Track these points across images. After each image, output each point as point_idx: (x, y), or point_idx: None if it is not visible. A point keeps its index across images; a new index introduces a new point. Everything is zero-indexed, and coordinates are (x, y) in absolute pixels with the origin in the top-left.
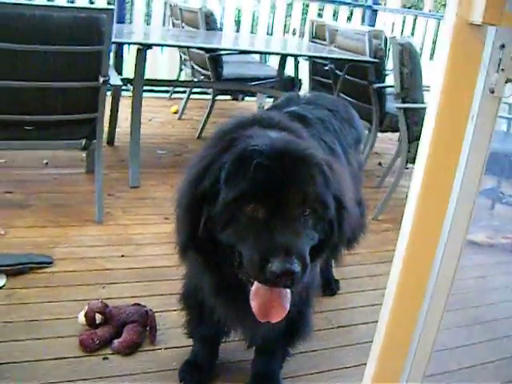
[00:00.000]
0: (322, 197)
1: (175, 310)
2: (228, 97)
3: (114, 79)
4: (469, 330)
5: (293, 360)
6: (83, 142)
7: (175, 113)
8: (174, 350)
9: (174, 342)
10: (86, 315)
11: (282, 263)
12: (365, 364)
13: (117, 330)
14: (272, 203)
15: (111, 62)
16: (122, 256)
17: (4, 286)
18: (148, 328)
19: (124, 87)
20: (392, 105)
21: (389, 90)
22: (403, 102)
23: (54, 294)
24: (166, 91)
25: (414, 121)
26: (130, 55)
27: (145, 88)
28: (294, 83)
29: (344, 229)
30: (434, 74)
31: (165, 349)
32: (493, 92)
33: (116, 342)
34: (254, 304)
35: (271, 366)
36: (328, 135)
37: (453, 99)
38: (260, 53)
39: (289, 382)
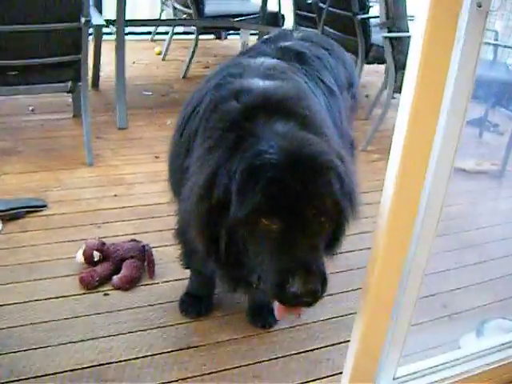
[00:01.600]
0: (339, 203)
1: (171, 245)
2: (211, 36)
3: (97, 19)
4: (460, 254)
5: None
6: (69, 84)
7: (159, 54)
8: (172, 283)
9: (172, 275)
10: (84, 253)
11: (302, 283)
12: (357, 289)
13: (115, 266)
14: (288, 217)
15: (92, 2)
16: (115, 196)
17: (1, 231)
18: (146, 263)
19: (105, 31)
20: (377, 36)
21: (373, 21)
22: (389, 31)
23: (50, 236)
24: (149, 33)
25: (399, 50)
26: None
27: (127, 30)
28: (277, 19)
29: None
30: None
31: (163, 282)
32: (480, 6)
33: (115, 277)
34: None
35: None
36: (326, 74)
37: (440, 14)
38: None
39: None
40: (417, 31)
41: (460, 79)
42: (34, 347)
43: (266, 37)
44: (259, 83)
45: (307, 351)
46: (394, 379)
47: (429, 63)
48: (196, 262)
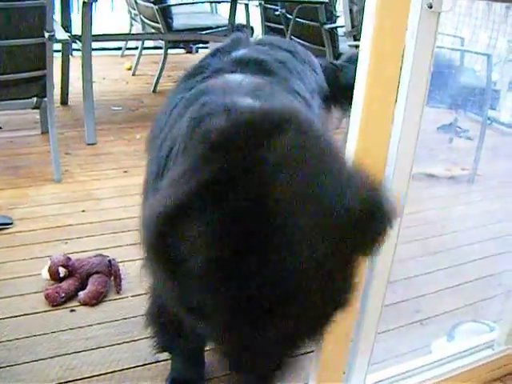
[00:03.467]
0: None
1: (139, 259)
2: (181, 50)
3: (61, 34)
4: (431, 259)
5: None
6: (34, 100)
7: (129, 69)
8: (140, 297)
9: (140, 289)
10: (49, 270)
11: None
12: None
13: (81, 281)
14: None
15: (58, 19)
16: (83, 211)
17: None
18: (112, 277)
19: (75, 47)
20: (345, 45)
21: (341, 30)
22: (355, 40)
23: (15, 253)
24: (119, 48)
25: None
26: (78, 14)
27: (97, 46)
28: (245, 31)
29: None
30: None
31: (131, 296)
32: (431, 7)
33: (82, 293)
34: None
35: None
36: (295, 81)
37: (388, 17)
38: (209, 1)
39: None
40: (364, 36)
41: (413, 84)
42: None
43: (214, 48)
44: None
45: None
46: None
47: (378, 68)
48: (182, 338)
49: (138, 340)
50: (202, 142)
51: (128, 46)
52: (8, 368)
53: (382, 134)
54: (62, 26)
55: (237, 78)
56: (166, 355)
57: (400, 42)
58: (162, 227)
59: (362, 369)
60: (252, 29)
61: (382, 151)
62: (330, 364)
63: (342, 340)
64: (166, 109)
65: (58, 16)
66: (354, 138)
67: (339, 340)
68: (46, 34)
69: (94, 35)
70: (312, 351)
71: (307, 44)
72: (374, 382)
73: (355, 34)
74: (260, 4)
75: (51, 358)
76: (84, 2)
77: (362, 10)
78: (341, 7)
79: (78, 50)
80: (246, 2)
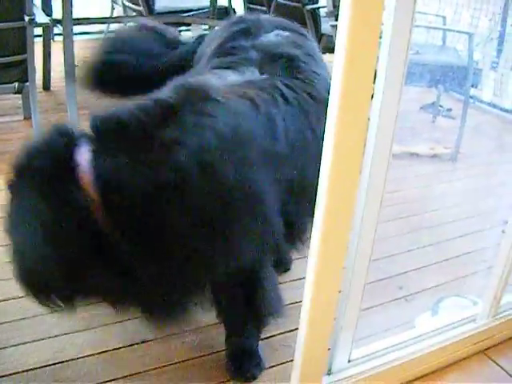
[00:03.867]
0: None
1: None
2: None
3: (42, 18)
4: (415, 236)
5: None
6: (16, 85)
7: None
8: None
9: None
10: None
11: None
12: None
13: None
14: None
15: (38, 3)
16: None
17: None
18: None
19: (56, 31)
20: (327, 26)
21: (322, 11)
22: (336, 20)
23: None
24: (100, 32)
25: None
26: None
27: (78, 30)
28: (228, 13)
29: None
30: None
31: None
32: None
33: None
34: None
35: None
36: (322, 79)
37: None
38: None
39: None
40: (342, 11)
41: (392, 59)
42: None
43: (235, 27)
44: None
45: (264, 339)
46: (348, 362)
47: (356, 43)
48: None
49: (123, 321)
50: None
51: (110, 30)
52: None
53: (360, 112)
54: (42, 10)
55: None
56: (151, 335)
57: (378, 19)
58: None
59: (346, 345)
60: (234, 11)
61: (361, 130)
62: (314, 340)
63: (325, 317)
64: None
65: (37, 0)
66: (333, 115)
67: (323, 317)
68: (26, 18)
69: (74, 19)
70: (296, 328)
71: None
72: (359, 357)
73: (337, 13)
74: None
75: (37, 340)
76: None
77: None
78: None
79: (60, 34)
80: None
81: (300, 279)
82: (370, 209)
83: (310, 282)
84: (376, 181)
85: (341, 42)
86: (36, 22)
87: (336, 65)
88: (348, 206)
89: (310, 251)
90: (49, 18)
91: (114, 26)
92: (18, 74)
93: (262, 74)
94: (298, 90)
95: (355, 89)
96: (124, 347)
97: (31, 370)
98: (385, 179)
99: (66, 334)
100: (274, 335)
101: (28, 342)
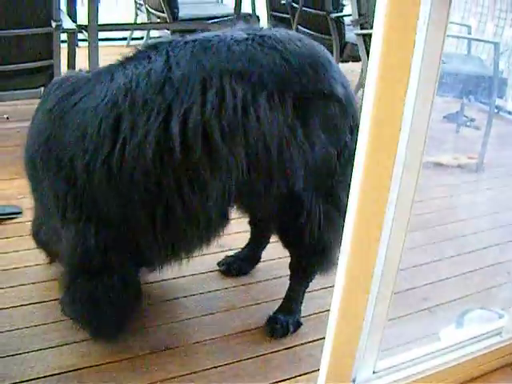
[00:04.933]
0: None
1: None
2: None
3: (68, 24)
4: (439, 247)
5: (271, 284)
6: (42, 90)
7: None
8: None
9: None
10: None
11: None
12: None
13: None
14: None
15: (64, 9)
16: None
17: None
18: None
19: (80, 38)
20: (351, 34)
21: (347, 19)
22: (362, 28)
23: (25, 242)
24: (124, 38)
25: None
26: (83, 5)
27: (102, 36)
28: (251, 20)
29: None
30: None
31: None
32: None
33: None
34: None
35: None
36: None
37: (401, 5)
38: None
39: (270, 304)
40: (378, 21)
41: (425, 68)
42: (10, 354)
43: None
44: None
45: (288, 348)
46: (373, 373)
47: (391, 53)
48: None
49: (146, 328)
50: None
51: (133, 36)
52: (20, 356)
53: (393, 123)
54: (67, 14)
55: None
56: (174, 342)
57: (412, 30)
58: None
59: (372, 355)
60: (258, 18)
61: (394, 140)
62: (341, 350)
63: (353, 326)
64: None
65: (63, 6)
66: (366, 125)
67: (350, 326)
68: (53, 24)
69: (99, 25)
70: (321, 338)
71: (313, 33)
72: (384, 368)
73: (362, 22)
74: None
75: (62, 345)
76: None
77: None
78: None
79: (84, 40)
80: None
81: (325, 288)
82: (399, 218)
83: (338, 291)
84: (406, 190)
85: (375, 50)
86: (63, 28)
87: (370, 75)
88: (378, 215)
89: (340, 260)
90: (74, 23)
91: (137, 33)
92: (43, 79)
93: None
94: None
95: (389, 99)
96: (147, 354)
97: (56, 374)
98: (415, 189)
99: (89, 339)
100: (298, 345)
101: (49, 348)
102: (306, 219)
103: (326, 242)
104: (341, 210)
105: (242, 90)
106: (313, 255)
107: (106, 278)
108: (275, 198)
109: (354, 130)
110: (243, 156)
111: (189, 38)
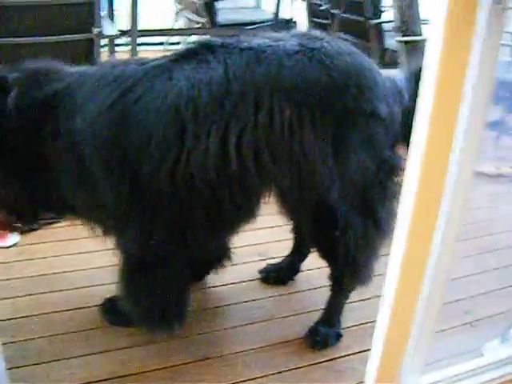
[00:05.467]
0: None
1: None
2: None
3: (109, 30)
4: (480, 259)
5: (311, 295)
6: None
7: None
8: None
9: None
10: None
11: None
12: (378, 296)
13: None
14: None
15: (105, 13)
16: None
17: (17, 243)
18: None
19: (118, 42)
20: (391, 40)
21: (386, 25)
22: (403, 35)
23: (67, 247)
24: (161, 43)
25: (414, 54)
26: (121, 8)
27: (140, 41)
28: (289, 25)
29: None
30: None
31: None
32: (500, 3)
33: None
34: None
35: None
36: None
37: (457, 13)
38: None
39: (310, 314)
40: (433, 32)
41: (479, 79)
42: (53, 359)
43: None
44: None
45: (329, 360)
46: None
47: (446, 63)
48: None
49: (185, 337)
50: None
51: (170, 41)
52: (62, 361)
53: (447, 132)
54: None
55: None
56: (212, 352)
57: (469, 39)
58: None
59: (417, 369)
60: (295, 23)
61: (446, 151)
62: (386, 363)
63: (399, 338)
64: None
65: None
66: (419, 137)
67: (397, 338)
68: (95, 30)
69: (139, 30)
70: (363, 351)
71: (353, 39)
72: (429, 383)
73: (404, 29)
74: None
75: (102, 352)
76: None
77: (409, 6)
78: (386, 2)
79: (120, 45)
80: None
81: (363, 300)
82: (449, 230)
83: (386, 303)
84: (457, 201)
85: (429, 66)
86: (103, 34)
87: (423, 90)
88: (429, 226)
89: (388, 271)
90: (116, 29)
91: (174, 38)
92: None
93: None
94: None
95: (443, 110)
96: (186, 363)
97: (98, 381)
98: (466, 200)
99: (130, 347)
100: (339, 357)
101: (91, 354)
102: (341, 231)
103: (361, 255)
104: (377, 223)
105: (289, 110)
106: (347, 267)
107: (163, 270)
108: (308, 206)
109: (394, 146)
110: (287, 172)
111: (244, 43)
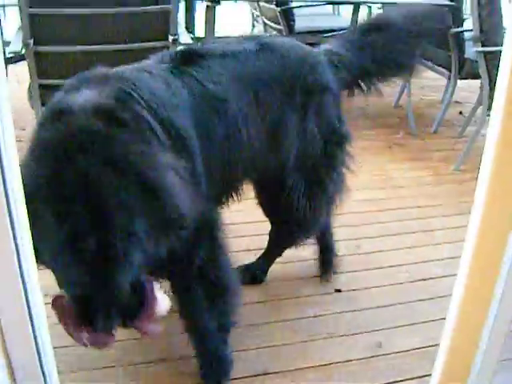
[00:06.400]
0: None
1: None
2: None
3: (185, 38)
4: None
5: (375, 313)
6: None
7: None
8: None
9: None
10: None
11: None
12: (444, 318)
13: None
14: None
15: (182, 21)
16: None
17: None
18: None
19: None
20: (471, 50)
21: (468, 35)
22: (483, 45)
23: None
24: None
25: (494, 65)
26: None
27: None
28: None
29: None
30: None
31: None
32: None
33: None
34: None
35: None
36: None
37: None
38: (332, 3)
39: (373, 334)
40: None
41: None
42: (107, 365)
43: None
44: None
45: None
46: None
47: None
48: None
49: (248, 350)
50: None
51: None
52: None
53: None
54: (185, 28)
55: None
56: (281, 368)
57: None
58: None
59: None
60: None
61: None
62: None
63: (461, 367)
64: None
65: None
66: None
67: (459, 367)
68: (170, 38)
69: (216, 37)
70: (425, 375)
71: (431, 48)
72: None
73: (483, 39)
74: (383, 6)
75: (257, 348)
76: (207, 6)
77: (490, 14)
78: (468, 10)
79: None
80: (370, 4)
81: (427, 322)
82: None
83: (449, 327)
84: None
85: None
86: (179, 42)
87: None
88: (500, 243)
89: (455, 288)
90: (191, 36)
91: None
92: None
93: None
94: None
95: None
96: (246, 377)
97: None
98: None
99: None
100: (399, 381)
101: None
102: (291, 195)
103: (306, 218)
104: (324, 188)
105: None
106: (294, 228)
107: None
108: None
109: (341, 118)
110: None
111: (222, 51)
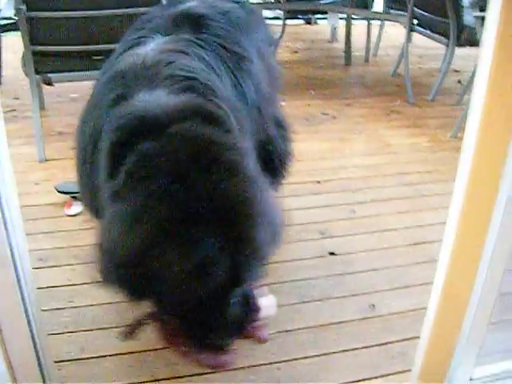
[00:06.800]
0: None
1: None
2: (301, 21)
3: None
4: None
5: (370, 276)
6: None
7: None
8: None
9: None
10: None
11: None
12: None
13: None
14: None
15: None
16: None
17: (81, 212)
18: None
19: None
20: (470, 17)
21: (466, 1)
22: (481, 10)
23: None
24: None
25: None
26: None
27: None
28: (366, 1)
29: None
30: None
31: None
32: None
33: None
34: None
35: None
36: (233, 35)
37: None
38: None
39: (366, 296)
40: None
41: None
42: (107, 326)
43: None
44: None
45: (380, 344)
46: (470, 380)
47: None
48: None
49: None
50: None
51: None
52: (115, 329)
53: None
54: None
55: (146, 50)
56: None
57: None
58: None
59: (470, 360)
60: None
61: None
62: (436, 352)
63: (451, 328)
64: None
65: None
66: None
67: (448, 328)
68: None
69: None
70: (416, 337)
71: (429, 15)
72: (483, 376)
73: (481, 4)
74: None
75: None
76: None
77: None
78: None
79: None
80: None
81: (422, 285)
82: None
83: (438, 287)
84: None
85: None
86: None
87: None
88: (487, 209)
89: (441, 253)
90: None
91: None
92: None
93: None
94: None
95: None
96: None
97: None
98: None
99: None
100: (392, 342)
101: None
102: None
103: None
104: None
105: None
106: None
107: None
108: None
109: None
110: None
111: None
